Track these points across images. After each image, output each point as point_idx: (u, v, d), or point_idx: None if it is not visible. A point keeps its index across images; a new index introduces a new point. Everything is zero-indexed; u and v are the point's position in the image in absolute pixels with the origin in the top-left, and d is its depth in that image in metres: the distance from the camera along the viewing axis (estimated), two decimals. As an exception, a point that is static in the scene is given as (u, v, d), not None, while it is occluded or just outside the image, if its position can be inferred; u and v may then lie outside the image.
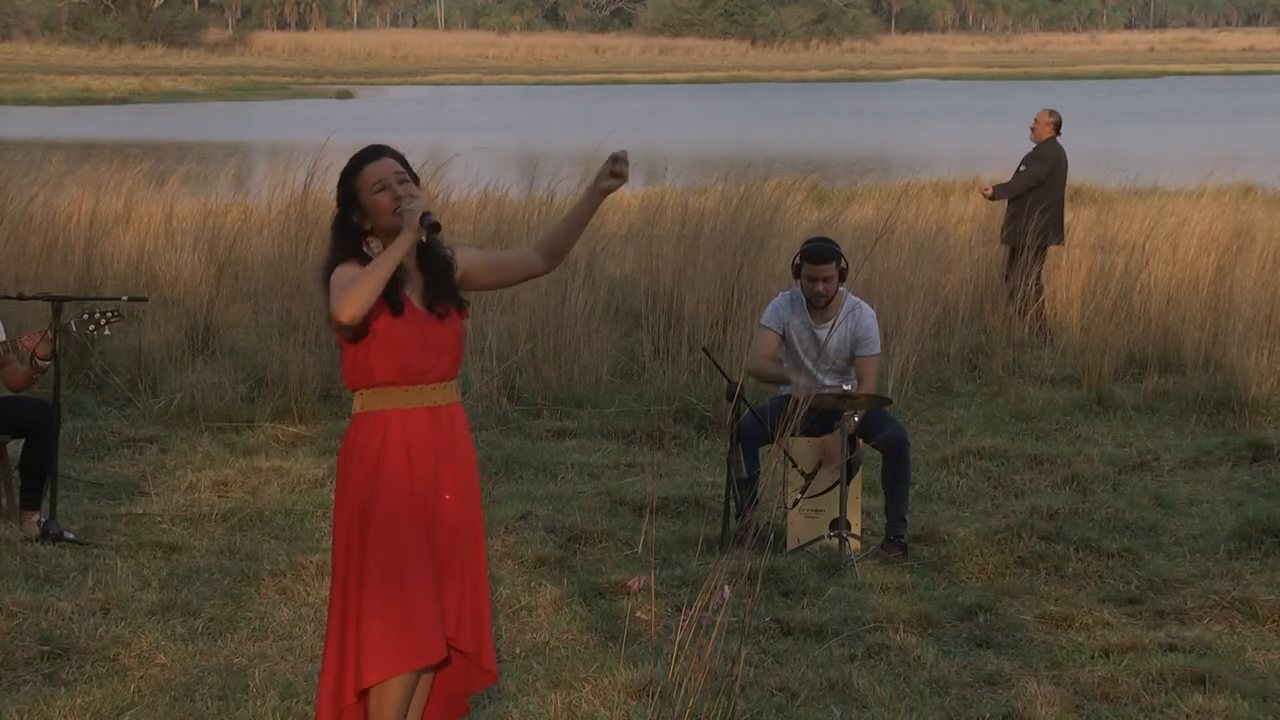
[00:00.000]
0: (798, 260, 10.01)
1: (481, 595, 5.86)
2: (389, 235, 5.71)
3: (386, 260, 5.60)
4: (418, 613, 5.68)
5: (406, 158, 5.79)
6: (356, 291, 5.55)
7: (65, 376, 10.78)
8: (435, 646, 5.71)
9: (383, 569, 5.70)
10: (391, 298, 5.68)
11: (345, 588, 5.76)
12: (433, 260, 5.79)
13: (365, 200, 5.72)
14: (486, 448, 11.63)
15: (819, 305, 9.95)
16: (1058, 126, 16.80)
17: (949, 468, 11.51)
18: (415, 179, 5.80)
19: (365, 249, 5.71)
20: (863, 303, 10.13)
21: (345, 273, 5.66)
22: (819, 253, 9.94)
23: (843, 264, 9.97)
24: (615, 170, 5.81)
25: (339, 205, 5.79)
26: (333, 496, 10.19)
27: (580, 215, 5.92)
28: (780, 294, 10.25)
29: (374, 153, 5.81)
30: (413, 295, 5.73)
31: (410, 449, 5.72)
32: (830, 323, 9.95)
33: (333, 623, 5.80)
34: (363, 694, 5.74)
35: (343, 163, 5.91)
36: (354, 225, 5.75)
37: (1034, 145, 16.81)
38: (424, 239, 5.70)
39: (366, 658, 5.69)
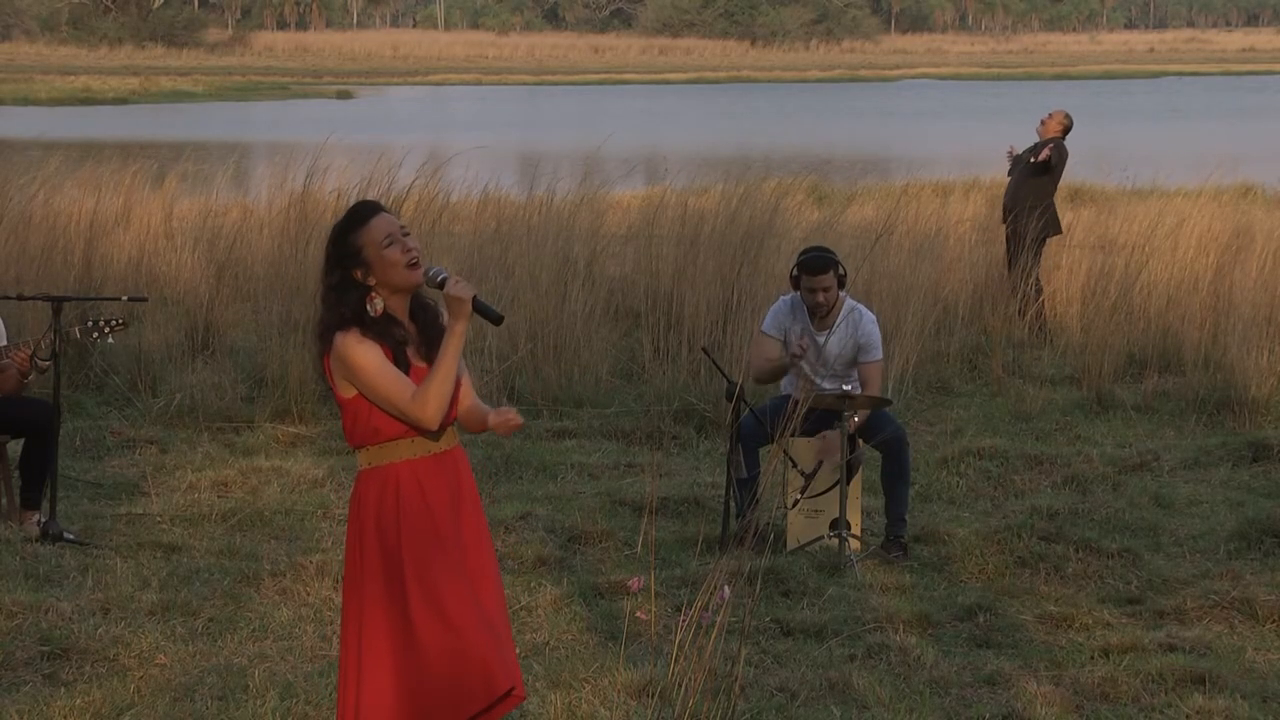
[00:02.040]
0: (795, 272, 9.99)
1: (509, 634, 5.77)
2: (393, 292, 5.61)
3: (450, 356, 5.55)
4: (479, 649, 5.55)
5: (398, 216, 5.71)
6: (437, 397, 5.54)
7: (65, 377, 10.77)
8: (501, 678, 5.56)
9: (432, 616, 5.55)
10: (398, 356, 5.61)
11: (359, 642, 5.60)
12: (422, 312, 5.71)
13: (372, 256, 5.58)
14: (486, 448, 11.63)
15: (820, 315, 9.94)
16: (1066, 130, 16.81)
17: (949, 468, 11.51)
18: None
19: (368, 305, 5.59)
20: (861, 306, 10.11)
21: (364, 349, 5.54)
22: (815, 264, 9.90)
23: (840, 271, 9.95)
24: (504, 422, 5.69)
25: (337, 264, 5.61)
26: (332, 497, 10.27)
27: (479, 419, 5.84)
28: (781, 298, 10.24)
29: (373, 208, 5.67)
30: (412, 351, 5.65)
31: (425, 493, 5.63)
32: (830, 330, 9.94)
33: (348, 676, 5.62)
34: None
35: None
36: (356, 283, 5.60)
37: (1039, 140, 16.80)
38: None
39: (433, 707, 5.54)
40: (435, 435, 5.63)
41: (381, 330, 5.60)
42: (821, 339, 9.93)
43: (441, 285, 5.58)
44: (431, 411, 5.55)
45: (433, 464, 5.65)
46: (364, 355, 5.56)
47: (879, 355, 10.02)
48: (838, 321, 9.94)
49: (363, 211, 5.66)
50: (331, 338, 5.60)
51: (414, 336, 5.66)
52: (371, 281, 5.60)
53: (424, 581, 5.57)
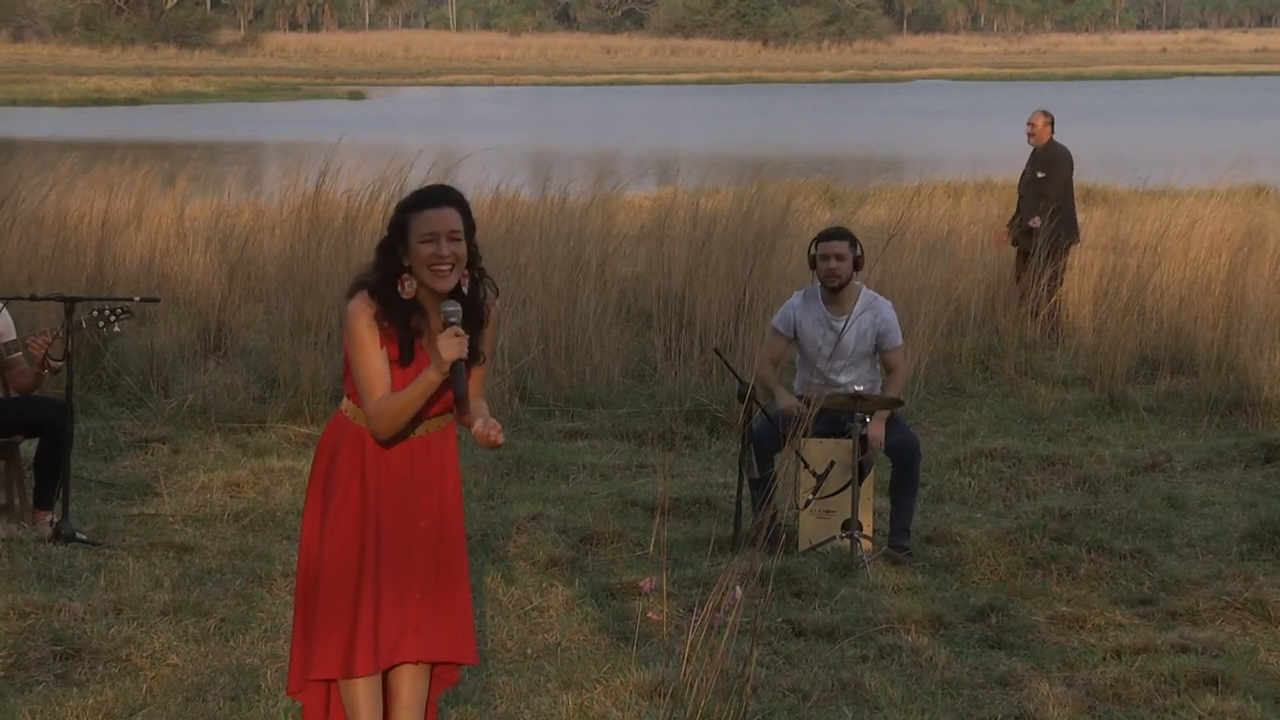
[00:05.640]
0: (812, 249, 10.06)
1: (460, 603, 5.85)
2: (421, 283, 5.64)
3: (418, 394, 5.62)
4: (350, 626, 5.72)
5: (469, 206, 5.71)
6: (391, 421, 5.64)
7: (78, 376, 10.78)
8: (362, 662, 5.72)
9: (327, 573, 5.74)
10: (405, 346, 5.66)
11: (307, 569, 5.80)
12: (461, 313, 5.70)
13: (411, 241, 5.61)
14: (498, 449, 11.62)
15: (833, 287, 9.94)
16: (1053, 125, 16.84)
17: (961, 469, 11.50)
18: (472, 230, 5.70)
19: (399, 288, 5.63)
20: (880, 296, 10.17)
21: (366, 333, 5.61)
22: (830, 231, 10.11)
23: (857, 250, 9.99)
24: (484, 434, 5.69)
25: (389, 230, 5.70)
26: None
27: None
28: (795, 293, 10.28)
29: (439, 198, 5.67)
30: (428, 346, 5.67)
31: (385, 462, 5.74)
32: (846, 316, 9.94)
33: (299, 599, 5.85)
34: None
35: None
36: (396, 257, 5.66)
37: (1034, 148, 16.78)
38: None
39: (313, 654, 5.78)
40: (386, 443, 5.70)
41: (399, 313, 5.65)
42: (838, 324, 9.92)
43: (443, 327, 5.62)
44: (380, 429, 5.67)
45: (401, 449, 5.75)
46: (360, 333, 5.65)
47: (900, 340, 10.06)
48: (856, 310, 9.95)
49: (426, 197, 5.70)
50: (354, 294, 5.68)
51: (438, 335, 5.65)
52: (407, 264, 5.65)
53: (335, 537, 5.71)
